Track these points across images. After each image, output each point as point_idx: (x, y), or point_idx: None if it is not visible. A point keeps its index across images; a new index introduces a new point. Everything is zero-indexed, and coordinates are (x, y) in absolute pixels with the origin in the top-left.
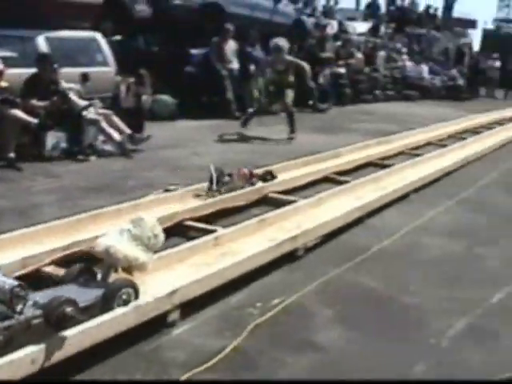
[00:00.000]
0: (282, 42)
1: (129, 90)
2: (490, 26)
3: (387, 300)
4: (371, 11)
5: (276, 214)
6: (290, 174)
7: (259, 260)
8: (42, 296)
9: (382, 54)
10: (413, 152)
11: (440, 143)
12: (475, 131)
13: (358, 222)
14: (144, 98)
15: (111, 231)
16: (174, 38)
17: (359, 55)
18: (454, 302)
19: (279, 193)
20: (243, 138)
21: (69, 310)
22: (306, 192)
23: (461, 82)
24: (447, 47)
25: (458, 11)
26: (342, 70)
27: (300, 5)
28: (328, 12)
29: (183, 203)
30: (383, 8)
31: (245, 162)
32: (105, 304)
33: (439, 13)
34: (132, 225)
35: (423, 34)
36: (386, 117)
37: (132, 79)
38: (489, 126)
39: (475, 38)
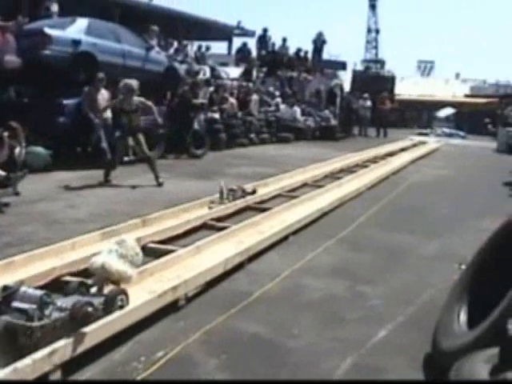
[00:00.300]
0: (133, 82)
1: (1, 143)
2: (360, 67)
3: (273, 345)
4: (242, 56)
5: (155, 264)
6: (168, 223)
7: (141, 313)
8: (62, 301)
9: (255, 97)
10: (290, 194)
11: (316, 184)
12: (350, 170)
13: (239, 267)
14: (17, 150)
15: (102, 251)
16: (45, 88)
17: (232, 100)
18: (339, 343)
19: (157, 243)
20: (119, 188)
21: (90, 309)
22: (185, 240)
23: (334, 122)
24: (319, 89)
25: (327, 53)
26: (216, 115)
27: (171, 51)
28: (200, 58)
29: (59, 258)
30: (254, 52)
31: (122, 212)
32: (107, 308)
33: (309, 55)
34: (118, 245)
35: (295, 76)
36: (262, 160)
37: (4, 132)
38: (363, 165)
39: (346, 79)
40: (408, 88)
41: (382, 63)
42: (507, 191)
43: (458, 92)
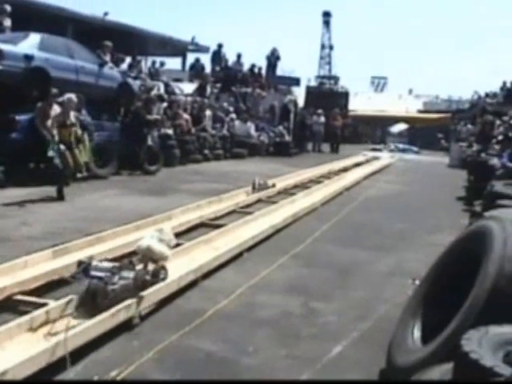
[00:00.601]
0: (73, 96)
1: None
2: (314, 83)
3: (228, 362)
4: (196, 72)
5: None
6: (122, 240)
7: (94, 331)
8: (125, 273)
9: (209, 113)
10: (244, 210)
11: (270, 200)
12: (304, 186)
13: (193, 284)
14: None
15: (145, 236)
16: None
17: (186, 116)
18: (295, 359)
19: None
20: (73, 205)
21: (148, 278)
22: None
23: (288, 138)
24: (273, 105)
25: (281, 69)
26: (170, 131)
27: (125, 67)
28: (154, 73)
29: (11, 277)
30: (208, 68)
31: (76, 229)
32: (154, 279)
33: (263, 72)
34: (158, 232)
35: (249, 92)
36: (217, 176)
37: None
38: (317, 180)
39: (300, 95)
40: (362, 104)
41: (335, 79)
42: (460, 206)
43: (411, 108)
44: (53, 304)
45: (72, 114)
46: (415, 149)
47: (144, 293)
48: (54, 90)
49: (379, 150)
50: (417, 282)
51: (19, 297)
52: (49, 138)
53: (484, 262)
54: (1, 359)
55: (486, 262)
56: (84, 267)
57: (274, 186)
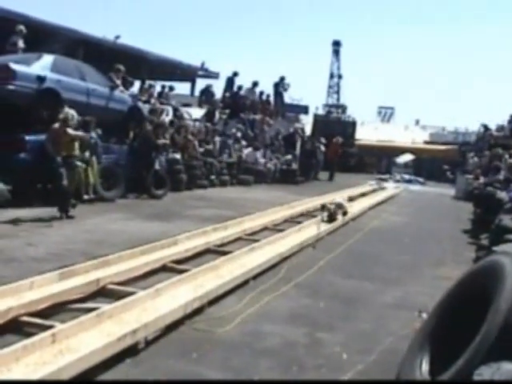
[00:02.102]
0: (70, 112)
1: None
2: (322, 112)
3: None
4: (205, 98)
5: (114, 306)
6: (127, 264)
7: (99, 356)
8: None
9: (217, 139)
10: (250, 237)
11: (276, 228)
12: (311, 214)
13: (199, 311)
14: None
15: (336, 198)
16: (7, 123)
17: (194, 141)
18: None
19: (117, 284)
20: (79, 227)
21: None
22: (145, 282)
23: (294, 165)
24: (280, 132)
25: (289, 97)
26: (178, 156)
27: (135, 91)
28: (163, 98)
29: (17, 297)
30: (218, 94)
31: (81, 252)
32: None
33: (272, 99)
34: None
35: (257, 119)
36: (223, 202)
37: None
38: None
39: (308, 123)
40: (368, 133)
41: (343, 108)
42: (465, 239)
43: (417, 138)
44: (60, 326)
45: (69, 130)
46: (421, 180)
47: (149, 319)
48: (72, 112)
49: (385, 180)
50: (423, 315)
51: (25, 318)
52: (58, 159)
53: (495, 298)
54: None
55: (498, 297)
56: None
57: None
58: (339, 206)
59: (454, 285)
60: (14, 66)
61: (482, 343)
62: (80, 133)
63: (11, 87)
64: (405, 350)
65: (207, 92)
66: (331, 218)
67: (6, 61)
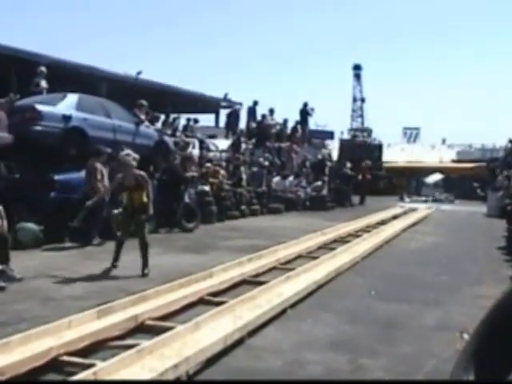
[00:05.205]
0: (133, 154)
1: None
2: (347, 136)
3: None
4: (230, 128)
5: (155, 341)
6: (165, 299)
7: None
8: None
9: (244, 168)
10: (285, 266)
11: (311, 255)
12: (344, 240)
13: (239, 342)
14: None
15: None
16: (36, 164)
17: (222, 171)
18: None
19: (155, 319)
20: (107, 266)
21: None
22: (183, 316)
23: (324, 192)
24: (308, 159)
25: (315, 123)
26: (207, 188)
27: (159, 125)
28: (189, 131)
29: (56, 337)
30: (243, 124)
31: (117, 288)
32: None
33: (296, 125)
34: None
35: (283, 147)
36: (255, 232)
37: None
38: (356, 234)
39: (334, 148)
40: (395, 155)
41: (368, 131)
42: (501, 256)
43: (444, 157)
44: (101, 364)
45: (134, 173)
46: (452, 198)
47: (190, 352)
48: (108, 150)
49: (415, 201)
50: (465, 336)
51: (65, 358)
52: (104, 196)
53: None
54: None
55: None
56: None
57: None
58: None
59: (495, 303)
60: (40, 107)
61: None
62: (143, 173)
63: (38, 128)
64: (449, 372)
65: (232, 122)
66: None
67: (32, 102)
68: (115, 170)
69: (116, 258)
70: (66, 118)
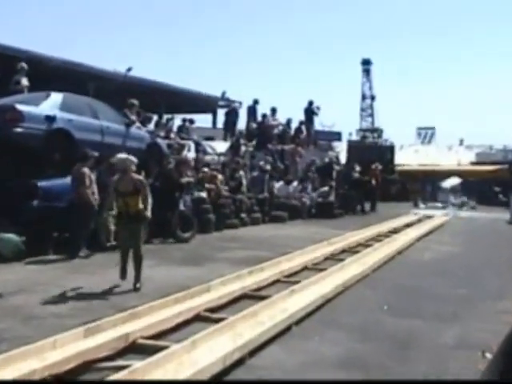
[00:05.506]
0: (131, 157)
1: None
2: (355, 137)
3: None
4: (229, 129)
5: (147, 362)
6: (159, 315)
7: None
8: None
9: (244, 173)
10: (289, 279)
11: (317, 267)
12: (353, 250)
13: (240, 363)
14: None
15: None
16: (16, 169)
17: (220, 177)
18: None
19: (148, 338)
20: (102, 277)
21: None
22: (179, 334)
23: (332, 198)
24: (313, 162)
25: (321, 124)
26: (204, 195)
27: (151, 126)
28: (184, 132)
29: (40, 358)
30: (242, 124)
31: (106, 304)
32: None
33: (301, 125)
34: None
35: (286, 150)
36: (256, 242)
37: None
38: (366, 244)
39: (343, 150)
40: (408, 157)
41: (379, 132)
42: None
43: (463, 160)
44: None
45: (132, 178)
46: (472, 204)
47: (187, 374)
48: (89, 151)
49: (431, 207)
50: (487, 355)
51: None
52: (94, 204)
53: None
54: None
55: None
56: None
57: None
58: None
59: None
60: (21, 107)
61: None
62: (141, 177)
63: (19, 130)
64: None
65: (234, 114)
66: None
67: (12, 102)
68: (103, 175)
69: (123, 270)
70: (50, 119)
